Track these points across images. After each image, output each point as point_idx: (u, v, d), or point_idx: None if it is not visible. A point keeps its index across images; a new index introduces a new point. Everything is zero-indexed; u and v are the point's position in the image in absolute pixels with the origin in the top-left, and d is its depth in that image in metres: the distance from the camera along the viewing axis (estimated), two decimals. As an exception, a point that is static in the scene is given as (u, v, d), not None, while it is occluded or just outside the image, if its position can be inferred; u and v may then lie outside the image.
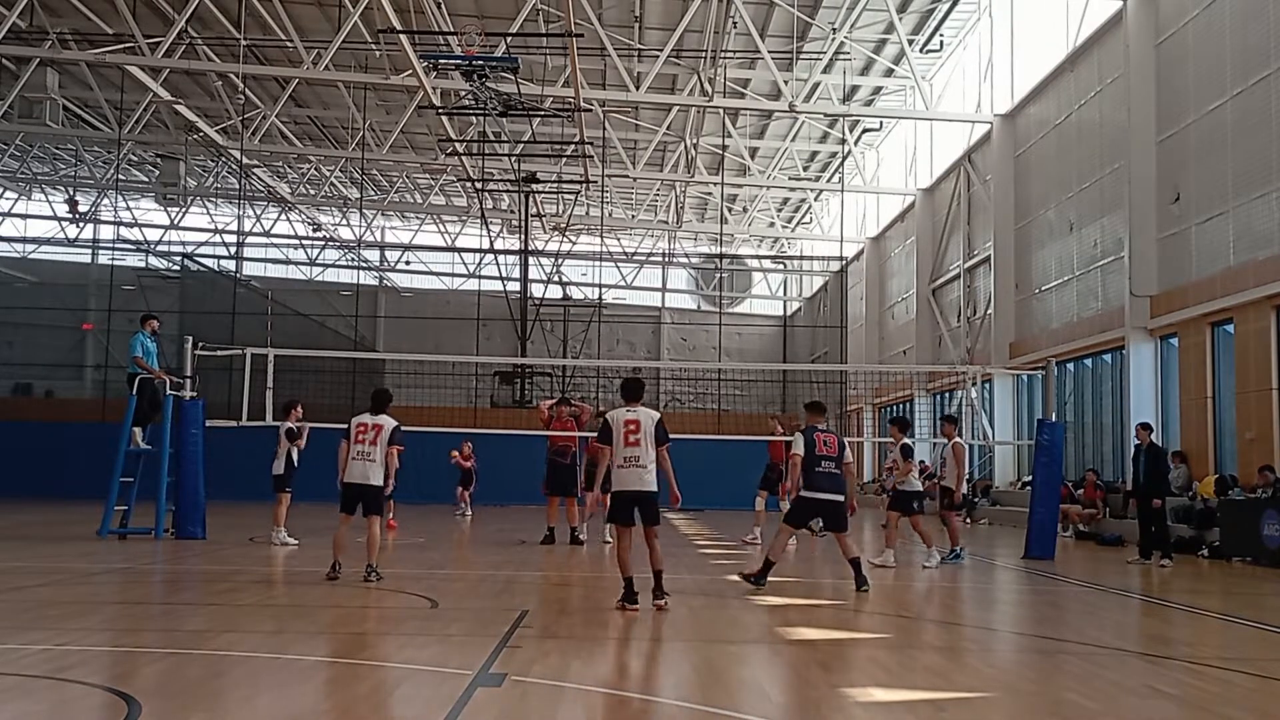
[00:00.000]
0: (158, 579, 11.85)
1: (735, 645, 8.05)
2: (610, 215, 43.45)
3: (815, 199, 43.34)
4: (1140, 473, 15.35)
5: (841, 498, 10.98)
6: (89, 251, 43.47)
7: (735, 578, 11.31)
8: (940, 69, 30.99)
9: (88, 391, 39.15)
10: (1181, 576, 13.89)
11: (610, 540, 15.17)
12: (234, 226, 42.36)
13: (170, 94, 29.50)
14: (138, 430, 16.03)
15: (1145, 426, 15.79)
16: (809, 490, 10.82)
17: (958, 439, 15.17)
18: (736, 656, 7.63)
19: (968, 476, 18.16)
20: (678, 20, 25.08)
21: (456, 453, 22.47)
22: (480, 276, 43.66)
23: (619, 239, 48.74)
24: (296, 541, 14.74)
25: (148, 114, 31.91)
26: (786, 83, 26.91)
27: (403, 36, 22.32)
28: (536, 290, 40.03)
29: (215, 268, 38.61)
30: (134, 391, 15.94)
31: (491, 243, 42.75)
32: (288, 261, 48.01)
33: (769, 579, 10.83)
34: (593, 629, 8.48)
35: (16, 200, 48.59)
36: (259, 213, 44.91)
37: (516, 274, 38.53)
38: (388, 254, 49.26)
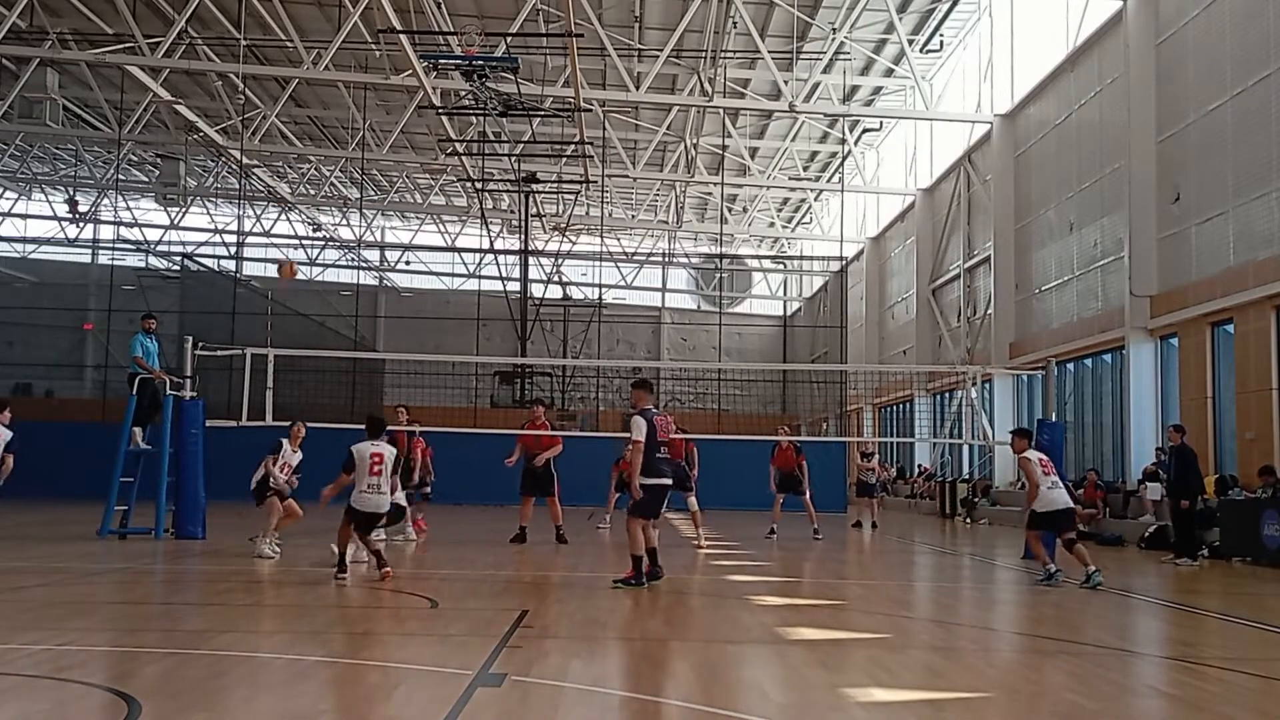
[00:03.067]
0: (158, 579, 11.85)
1: (735, 645, 8.04)
2: (610, 215, 43.43)
3: (815, 199, 43.32)
4: (1172, 474, 15.51)
5: (671, 482, 10.83)
6: (89, 251, 43.51)
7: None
8: (940, 69, 30.98)
9: (88, 391, 39.14)
10: (1181, 576, 13.92)
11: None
12: (234, 226, 42.38)
13: (170, 94, 29.48)
14: (138, 430, 16.04)
15: (1177, 428, 15.89)
16: (652, 477, 10.30)
17: (1027, 454, 12.50)
18: (736, 656, 7.62)
19: (966, 478, 18.13)
20: (678, 20, 25.08)
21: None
22: (480, 276, 43.68)
23: (619, 239, 48.72)
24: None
25: (148, 114, 31.92)
26: (786, 83, 26.90)
27: (403, 36, 22.32)
28: (536, 290, 40.02)
29: (215, 268, 38.60)
30: (134, 391, 15.97)
31: (491, 243, 42.74)
32: (288, 261, 47.98)
33: (647, 577, 10.49)
34: (593, 629, 8.47)
35: (16, 200, 48.60)
36: (259, 213, 44.91)
37: (516, 274, 38.52)
38: (388, 254, 49.27)
